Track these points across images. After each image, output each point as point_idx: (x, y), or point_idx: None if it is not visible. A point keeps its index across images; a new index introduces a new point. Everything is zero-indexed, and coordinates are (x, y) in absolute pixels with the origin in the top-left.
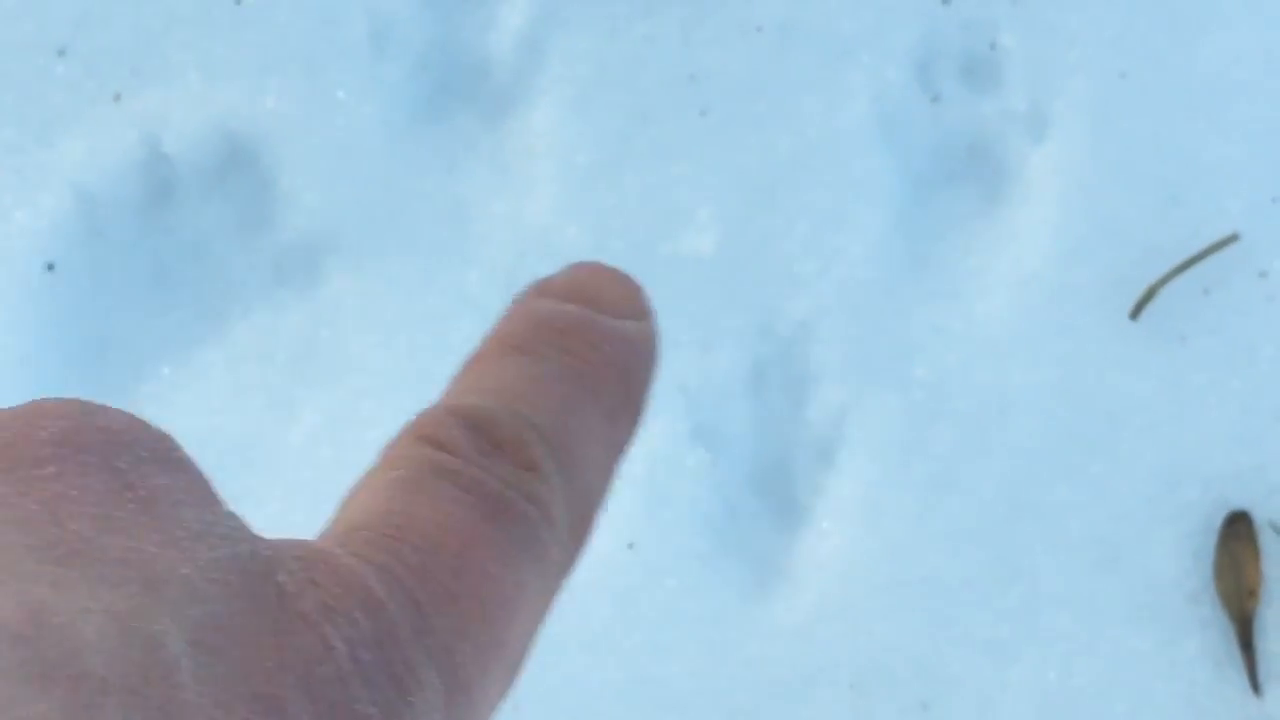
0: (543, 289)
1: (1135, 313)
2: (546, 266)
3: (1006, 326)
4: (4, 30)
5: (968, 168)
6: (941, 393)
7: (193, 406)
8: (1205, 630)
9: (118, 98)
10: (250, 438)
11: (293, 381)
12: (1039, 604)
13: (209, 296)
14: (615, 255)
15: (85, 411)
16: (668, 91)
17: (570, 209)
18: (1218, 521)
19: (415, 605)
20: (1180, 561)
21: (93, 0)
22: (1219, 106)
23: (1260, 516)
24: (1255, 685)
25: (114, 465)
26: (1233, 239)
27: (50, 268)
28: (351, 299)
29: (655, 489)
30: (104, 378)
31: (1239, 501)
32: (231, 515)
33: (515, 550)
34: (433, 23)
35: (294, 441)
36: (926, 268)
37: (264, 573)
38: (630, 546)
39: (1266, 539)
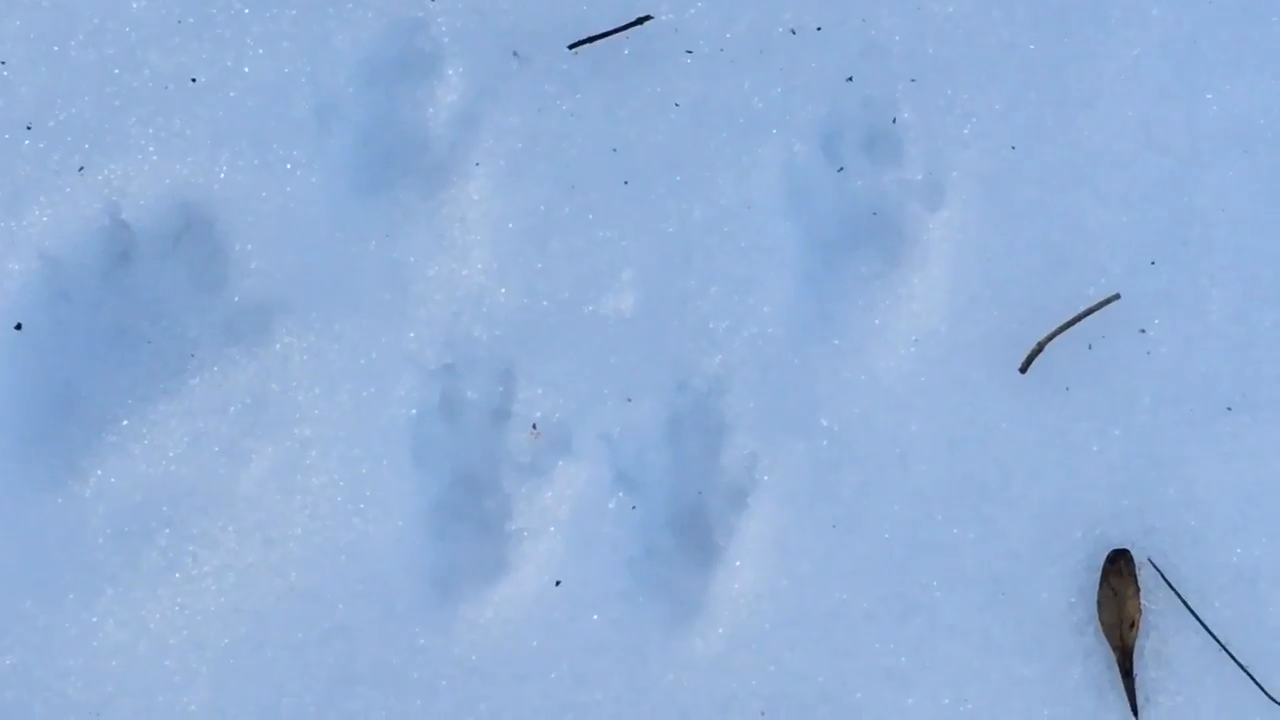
0: None
1: (1024, 367)
2: (480, 326)
3: (906, 380)
4: None
5: (870, 233)
6: (845, 441)
7: (151, 455)
8: (1088, 659)
9: (81, 170)
10: (204, 484)
11: (244, 432)
12: (935, 635)
13: (166, 354)
14: (543, 315)
15: None
16: (592, 163)
17: (502, 272)
18: (1100, 559)
19: None
20: (1066, 596)
21: (58, 78)
22: (1101, 176)
23: (1139, 554)
24: (1135, 710)
25: None
26: (1114, 298)
27: (19, 328)
28: (298, 355)
29: (580, 530)
30: (68, 429)
31: (1119, 540)
32: None
33: None
34: (374, 100)
35: (245, 488)
36: (831, 325)
37: None
38: (557, 584)
39: (1145, 574)
